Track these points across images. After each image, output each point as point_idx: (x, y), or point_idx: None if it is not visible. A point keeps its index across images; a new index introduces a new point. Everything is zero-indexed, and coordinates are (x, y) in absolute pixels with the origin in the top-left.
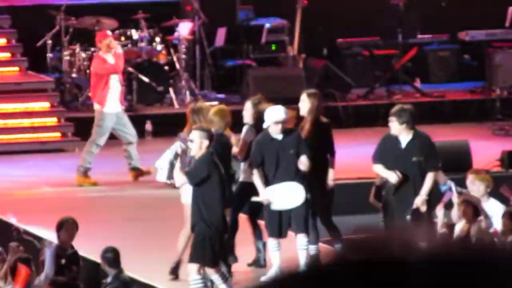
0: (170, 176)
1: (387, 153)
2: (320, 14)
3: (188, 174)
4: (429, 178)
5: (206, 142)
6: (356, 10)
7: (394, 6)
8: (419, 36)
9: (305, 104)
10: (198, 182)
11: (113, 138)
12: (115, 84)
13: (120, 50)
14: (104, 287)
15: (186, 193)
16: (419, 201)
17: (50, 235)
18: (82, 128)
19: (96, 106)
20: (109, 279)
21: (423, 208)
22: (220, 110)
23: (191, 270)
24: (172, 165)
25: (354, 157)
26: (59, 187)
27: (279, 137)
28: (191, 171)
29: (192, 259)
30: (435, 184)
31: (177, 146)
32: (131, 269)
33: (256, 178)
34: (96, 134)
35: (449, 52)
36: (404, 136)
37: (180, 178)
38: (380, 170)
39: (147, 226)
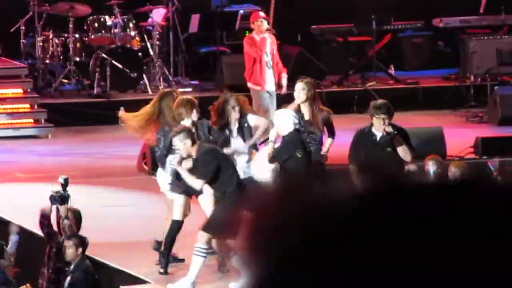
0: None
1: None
2: (294, 0)
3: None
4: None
5: (188, 142)
6: None
7: None
8: (394, 22)
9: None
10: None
11: None
12: (267, 65)
13: (265, 35)
14: (67, 275)
15: (163, 181)
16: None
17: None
18: (55, 115)
19: (251, 86)
20: (71, 267)
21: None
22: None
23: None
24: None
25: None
26: (33, 173)
27: None
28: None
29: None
30: None
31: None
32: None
33: None
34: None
35: (424, 39)
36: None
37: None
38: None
39: (120, 212)
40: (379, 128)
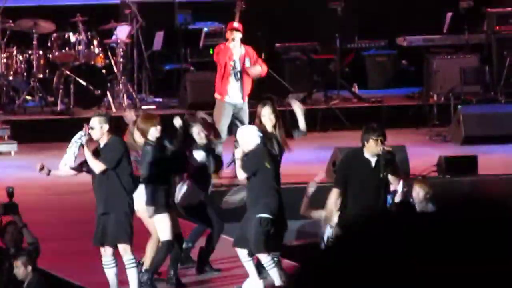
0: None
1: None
2: (259, 18)
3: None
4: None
5: (106, 126)
6: (295, 15)
7: (332, 10)
8: (357, 41)
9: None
10: (115, 166)
11: None
12: (233, 76)
13: (230, 45)
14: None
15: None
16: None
17: None
18: (19, 131)
19: (215, 95)
20: (25, 285)
21: None
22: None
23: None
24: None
25: (290, 161)
26: None
27: None
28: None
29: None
30: None
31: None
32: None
33: None
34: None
35: (387, 58)
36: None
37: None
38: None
39: (84, 227)
40: (374, 152)
